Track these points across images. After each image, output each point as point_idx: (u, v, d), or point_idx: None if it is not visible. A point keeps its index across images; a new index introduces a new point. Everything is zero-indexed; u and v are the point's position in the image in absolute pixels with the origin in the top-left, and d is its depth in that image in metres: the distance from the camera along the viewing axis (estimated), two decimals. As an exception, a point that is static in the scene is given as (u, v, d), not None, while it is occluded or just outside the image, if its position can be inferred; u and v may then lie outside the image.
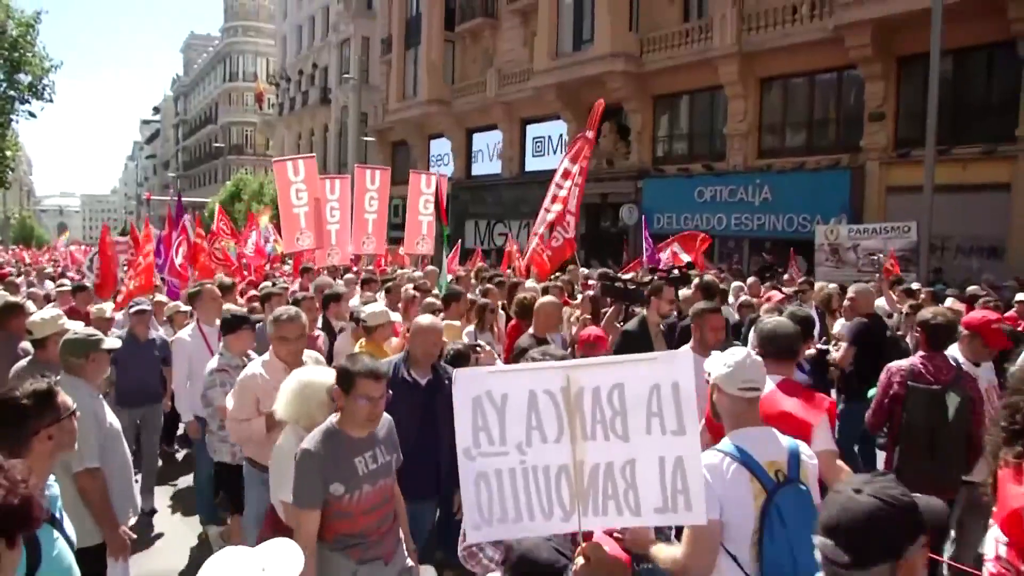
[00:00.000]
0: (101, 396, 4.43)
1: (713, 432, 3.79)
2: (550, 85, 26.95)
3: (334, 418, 3.57)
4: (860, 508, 1.85)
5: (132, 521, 4.46)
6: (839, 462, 3.57)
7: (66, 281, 12.44)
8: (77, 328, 4.87)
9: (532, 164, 30.93)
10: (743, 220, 21.84)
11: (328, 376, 3.82)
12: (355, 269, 14.68)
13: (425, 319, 5.09)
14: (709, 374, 3.16)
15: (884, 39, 18.38)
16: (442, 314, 7.50)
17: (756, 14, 21.26)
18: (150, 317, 7.59)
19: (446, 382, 4.22)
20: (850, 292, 7.85)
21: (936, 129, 14.42)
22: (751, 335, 6.05)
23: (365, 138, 39.63)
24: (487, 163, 32.75)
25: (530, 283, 11.00)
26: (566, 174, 13.19)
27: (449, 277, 12.59)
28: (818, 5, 19.82)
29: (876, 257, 15.91)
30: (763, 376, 3.15)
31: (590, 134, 13.04)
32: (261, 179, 48.35)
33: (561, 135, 28.86)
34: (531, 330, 6.62)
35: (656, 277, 9.17)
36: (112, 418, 4.37)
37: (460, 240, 21.99)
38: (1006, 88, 17.11)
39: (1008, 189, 16.85)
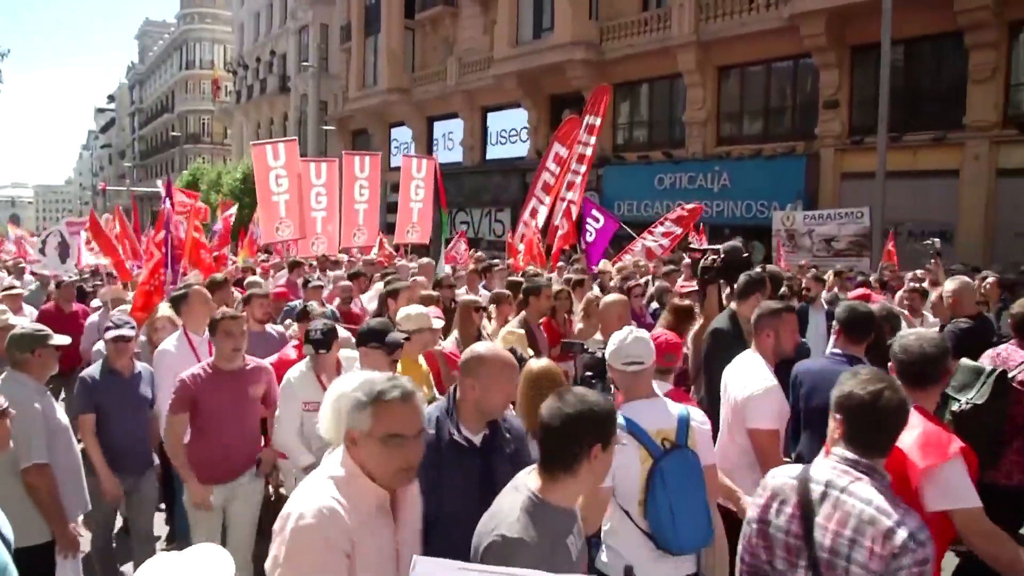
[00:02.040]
0: (49, 392, 4.39)
1: None
2: (510, 73, 26.98)
3: None
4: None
5: (81, 518, 4.45)
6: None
7: (30, 278, 11.62)
8: (23, 323, 4.88)
9: (493, 152, 30.95)
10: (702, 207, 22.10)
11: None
12: (348, 260, 13.87)
13: (496, 353, 3.21)
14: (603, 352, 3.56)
15: (837, 28, 18.70)
16: (491, 320, 6.88)
17: (713, 3, 21.46)
18: (134, 344, 5.43)
19: (507, 436, 3.13)
20: (949, 287, 6.37)
21: (888, 117, 14.79)
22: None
23: (325, 127, 39.31)
24: (448, 151, 32.65)
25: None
26: (557, 159, 13.17)
27: (447, 268, 12.04)
28: (774, -6, 20.09)
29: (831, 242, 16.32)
30: (648, 351, 3.42)
31: (594, 120, 13.04)
32: (219, 168, 47.71)
33: (523, 123, 28.92)
34: (598, 335, 5.73)
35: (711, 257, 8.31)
36: (61, 414, 4.32)
37: (465, 227, 21.15)
38: (954, 77, 17.54)
39: (956, 175, 17.30)
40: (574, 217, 13.05)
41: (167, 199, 9.34)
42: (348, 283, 9.35)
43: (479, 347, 3.28)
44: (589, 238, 12.87)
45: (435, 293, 7.79)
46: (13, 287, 9.45)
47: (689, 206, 14.33)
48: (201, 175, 45.96)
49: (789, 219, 17.42)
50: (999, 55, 16.76)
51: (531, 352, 5.08)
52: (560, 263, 12.80)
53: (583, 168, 13.53)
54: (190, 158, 65.39)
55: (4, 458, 3.72)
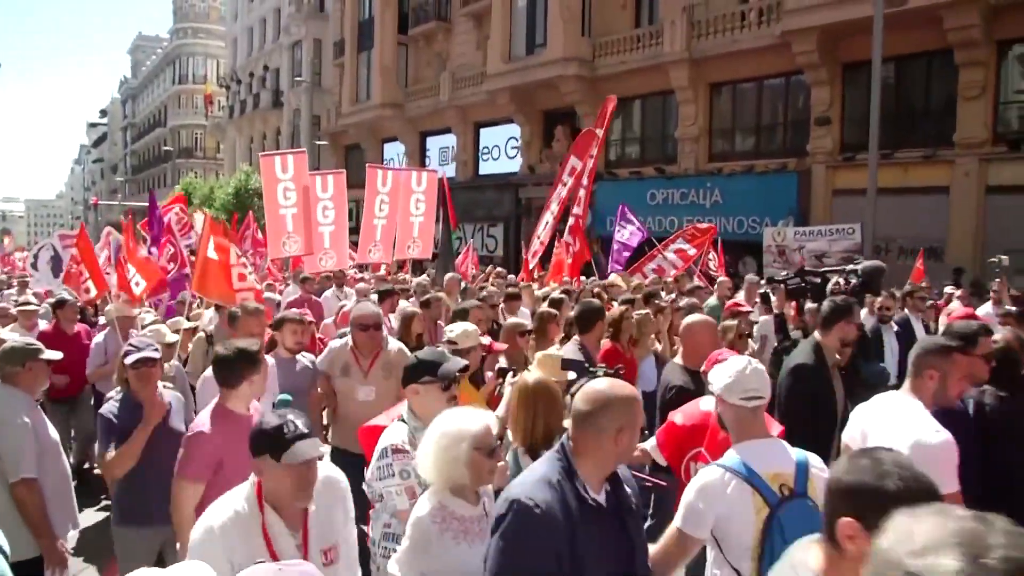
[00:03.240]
0: (39, 406, 4.35)
1: (672, 445, 3.98)
2: (503, 88, 27.06)
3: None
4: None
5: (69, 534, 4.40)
6: None
7: (32, 298, 10.46)
8: (14, 337, 4.79)
9: (486, 168, 31.00)
10: (694, 223, 22.15)
11: (474, 422, 2.92)
12: (361, 277, 13.47)
13: (622, 388, 2.63)
14: (711, 384, 3.18)
15: (829, 46, 18.82)
16: (531, 338, 6.28)
17: (705, 20, 21.60)
18: (160, 369, 4.54)
19: (627, 491, 2.71)
20: None
21: (879, 134, 14.83)
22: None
23: (318, 142, 39.32)
24: (441, 167, 32.73)
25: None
26: (572, 172, 12.88)
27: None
28: (765, 12, 20.22)
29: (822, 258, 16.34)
30: (766, 384, 3.08)
31: (599, 131, 12.87)
32: (211, 183, 47.64)
33: (515, 138, 29.01)
34: (679, 359, 5.01)
35: (794, 281, 7.67)
36: (51, 429, 4.29)
37: (470, 243, 20.99)
38: (944, 95, 17.68)
39: (947, 192, 17.39)
40: (584, 230, 13.12)
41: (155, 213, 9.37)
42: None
43: (601, 386, 2.60)
44: (622, 238, 13.13)
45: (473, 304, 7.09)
46: (28, 303, 9.01)
47: (703, 226, 14.21)
48: (193, 190, 45.87)
49: (780, 235, 17.45)
50: (988, 73, 16.90)
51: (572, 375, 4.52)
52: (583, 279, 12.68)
53: (588, 182, 13.47)
54: (182, 173, 65.27)
55: None
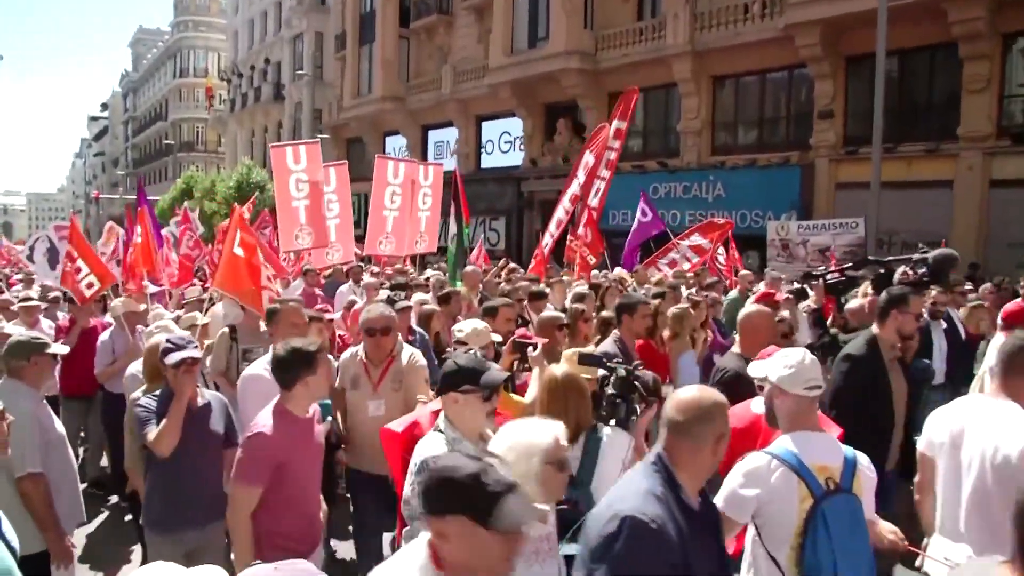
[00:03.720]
0: (44, 400, 4.33)
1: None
2: (505, 82, 26.99)
3: None
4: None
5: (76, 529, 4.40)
6: None
7: (32, 293, 10.39)
8: (20, 331, 4.77)
9: (487, 161, 30.95)
10: (697, 216, 22.04)
11: (544, 434, 2.73)
12: (374, 270, 13.18)
13: (710, 395, 2.63)
14: (765, 378, 3.14)
15: (833, 39, 18.75)
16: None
17: (708, 13, 21.50)
18: (199, 367, 4.42)
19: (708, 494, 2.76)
20: None
21: (882, 127, 14.78)
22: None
23: (320, 135, 39.24)
24: (443, 160, 32.68)
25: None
26: (585, 168, 12.65)
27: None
28: (769, 5, 20.12)
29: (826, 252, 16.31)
30: (820, 375, 3.12)
31: (623, 124, 12.73)
32: (213, 177, 47.55)
33: (517, 132, 28.95)
34: (736, 348, 4.99)
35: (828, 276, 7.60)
36: (57, 423, 4.28)
37: (482, 238, 20.60)
38: (948, 88, 17.61)
39: (951, 186, 17.33)
40: (596, 222, 12.85)
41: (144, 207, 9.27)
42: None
43: (692, 395, 2.56)
44: (633, 230, 12.88)
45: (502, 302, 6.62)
46: (30, 298, 8.74)
47: (720, 220, 13.96)
48: (195, 183, 45.86)
49: (784, 229, 17.43)
50: (993, 66, 16.82)
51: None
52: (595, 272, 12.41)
53: (608, 174, 13.20)
54: (184, 166, 65.21)
55: (1, 465, 3.72)
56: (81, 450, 7.98)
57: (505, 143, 30.01)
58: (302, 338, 4.11)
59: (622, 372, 3.65)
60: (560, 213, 13.15)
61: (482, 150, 31.31)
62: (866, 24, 15.60)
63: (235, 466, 3.55)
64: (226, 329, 6.31)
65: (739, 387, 4.13)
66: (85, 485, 7.01)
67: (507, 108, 28.31)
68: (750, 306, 5.19)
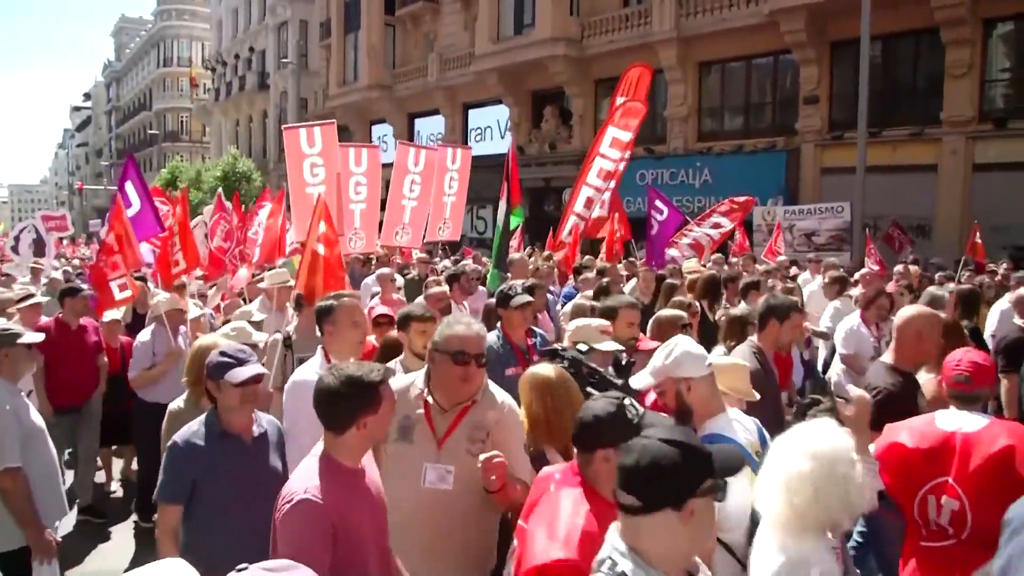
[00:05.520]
0: (23, 393, 4.19)
1: None
2: (491, 69, 26.97)
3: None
4: (650, 452, 1.79)
5: (61, 523, 4.28)
6: None
7: (32, 288, 9.16)
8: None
9: (475, 149, 30.73)
10: (684, 202, 22.11)
11: (842, 435, 2.40)
12: (396, 261, 12.55)
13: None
14: (666, 380, 3.04)
15: (817, 24, 18.85)
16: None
17: (694, -1, 21.59)
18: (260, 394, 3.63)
19: None
20: None
21: (867, 112, 14.94)
22: None
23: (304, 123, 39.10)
24: (496, 139, 32.32)
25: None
26: (616, 143, 11.62)
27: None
28: (754, -10, 20.21)
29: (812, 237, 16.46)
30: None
31: (639, 105, 11.87)
32: (198, 166, 47.31)
33: (504, 119, 28.93)
34: (888, 358, 4.16)
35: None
36: (36, 416, 4.12)
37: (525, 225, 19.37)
38: (932, 73, 17.78)
39: (935, 170, 17.54)
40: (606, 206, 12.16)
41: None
42: (443, 289, 7.30)
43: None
44: (652, 231, 11.87)
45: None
46: (31, 295, 7.53)
47: (740, 199, 13.28)
48: (180, 173, 45.62)
49: (770, 214, 17.54)
50: (975, 51, 16.99)
51: (757, 396, 3.77)
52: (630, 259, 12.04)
53: (627, 154, 12.26)
54: (168, 156, 64.76)
55: None
56: (70, 475, 6.90)
57: (494, 131, 29.92)
58: (359, 363, 2.89)
59: (569, 355, 3.59)
60: (591, 193, 11.97)
61: (469, 138, 31.26)
62: (850, 10, 15.71)
63: (283, 542, 2.52)
64: (279, 336, 5.46)
65: (895, 407, 3.66)
66: (76, 514, 6.58)
67: (494, 96, 28.29)
68: (912, 309, 4.31)
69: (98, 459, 7.44)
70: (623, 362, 4.43)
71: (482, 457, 2.84)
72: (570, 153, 25.90)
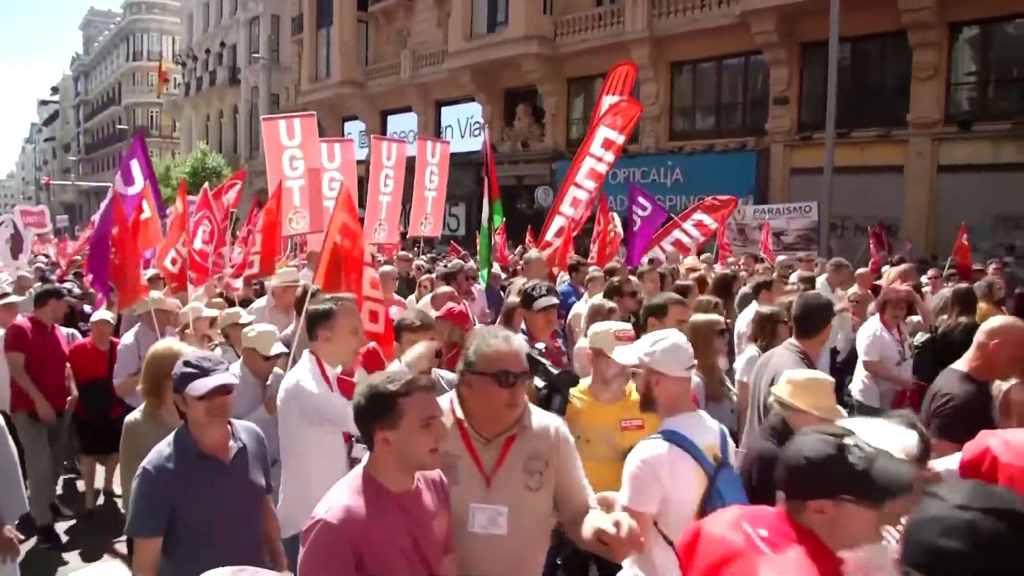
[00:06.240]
0: (8, 425, 4.09)
1: None
2: (465, 67, 26.94)
3: None
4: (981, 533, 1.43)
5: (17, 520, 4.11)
6: None
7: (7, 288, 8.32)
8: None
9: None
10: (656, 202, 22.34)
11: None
12: (379, 259, 11.93)
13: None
14: (641, 364, 2.98)
15: (787, 26, 19.03)
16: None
17: (666, -1, 21.70)
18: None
19: None
20: None
21: (836, 113, 15.10)
22: None
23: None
24: (469, 135, 32.19)
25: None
26: (608, 144, 11.30)
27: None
28: (725, -9, 20.36)
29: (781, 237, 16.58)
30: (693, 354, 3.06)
31: (619, 138, 11.41)
32: (168, 162, 46.71)
33: (476, 117, 28.90)
34: (963, 365, 3.91)
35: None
36: None
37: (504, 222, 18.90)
38: (899, 75, 18.03)
39: (901, 171, 17.77)
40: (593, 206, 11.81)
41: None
42: (451, 289, 6.88)
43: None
44: (634, 228, 11.73)
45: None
46: (6, 294, 7.14)
47: (723, 197, 13.11)
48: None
49: (740, 213, 17.64)
50: (941, 54, 17.25)
51: (844, 413, 3.54)
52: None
53: (612, 157, 11.82)
54: (137, 151, 63.87)
55: None
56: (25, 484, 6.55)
57: (466, 128, 29.87)
58: (387, 371, 2.69)
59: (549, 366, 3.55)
60: (578, 193, 11.63)
61: (441, 135, 31.16)
62: (820, 12, 15.88)
63: (300, 561, 2.28)
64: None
65: (969, 418, 3.49)
66: (34, 540, 6.08)
67: (467, 93, 28.25)
68: (1004, 320, 4.03)
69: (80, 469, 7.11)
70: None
71: (617, 530, 2.28)
72: (542, 151, 25.94)
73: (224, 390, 2.96)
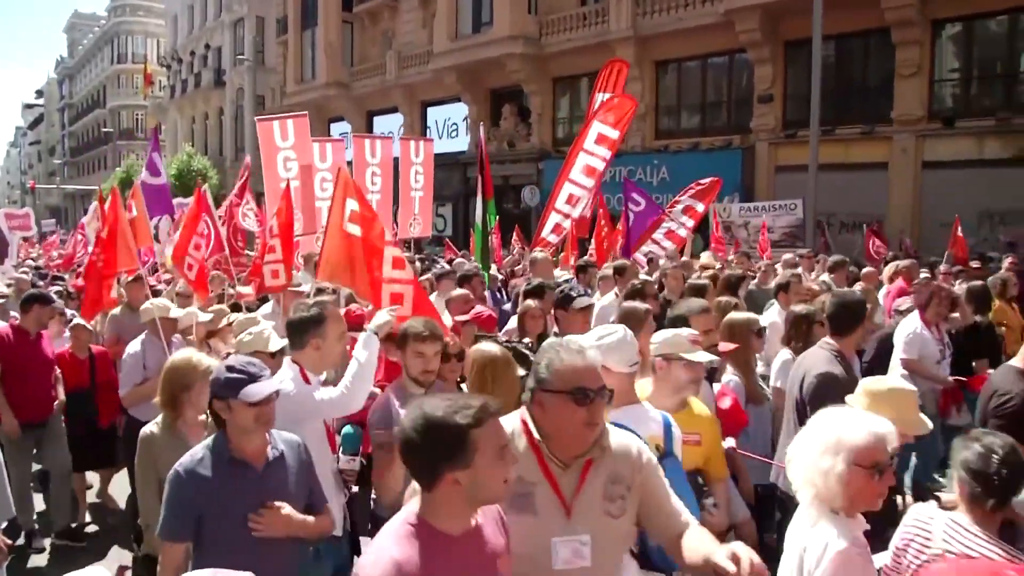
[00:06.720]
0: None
1: None
2: (450, 67, 26.90)
3: None
4: None
5: (3, 525, 4.19)
6: None
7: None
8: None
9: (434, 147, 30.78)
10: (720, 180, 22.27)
11: (859, 430, 2.49)
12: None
13: None
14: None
15: (771, 24, 19.07)
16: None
17: (651, -2, 21.71)
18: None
19: None
20: None
21: (820, 111, 15.13)
22: None
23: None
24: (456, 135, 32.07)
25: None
26: (602, 140, 11.15)
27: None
28: (709, -10, 20.38)
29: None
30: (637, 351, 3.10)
31: (615, 134, 11.24)
32: (154, 165, 46.46)
33: (454, 119, 28.92)
34: (1020, 362, 3.91)
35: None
36: None
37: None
38: (882, 73, 18.09)
39: (885, 168, 17.84)
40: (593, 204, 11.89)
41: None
42: (466, 292, 6.79)
43: None
44: (628, 223, 11.61)
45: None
46: None
47: (706, 180, 12.65)
48: (135, 172, 44.73)
49: (726, 211, 17.67)
50: (924, 52, 17.32)
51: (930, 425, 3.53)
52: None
53: (608, 155, 11.62)
54: (123, 155, 63.51)
55: None
56: (38, 499, 6.28)
57: (453, 128, 29.85)
58: (450, 396, 2.12)
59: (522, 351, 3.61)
60: (574, 190, 11.37)
61: (427, 136, 31.13)
62: (803, 10, 15.89)
63: None
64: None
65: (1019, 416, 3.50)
66: (51, 539, 6.02)
67: (452, 93, 28.22)
68: None
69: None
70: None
71: (737, 567, 1.99)
72: (528, 151, 25.93)
73: (268, 402, 2.87)
